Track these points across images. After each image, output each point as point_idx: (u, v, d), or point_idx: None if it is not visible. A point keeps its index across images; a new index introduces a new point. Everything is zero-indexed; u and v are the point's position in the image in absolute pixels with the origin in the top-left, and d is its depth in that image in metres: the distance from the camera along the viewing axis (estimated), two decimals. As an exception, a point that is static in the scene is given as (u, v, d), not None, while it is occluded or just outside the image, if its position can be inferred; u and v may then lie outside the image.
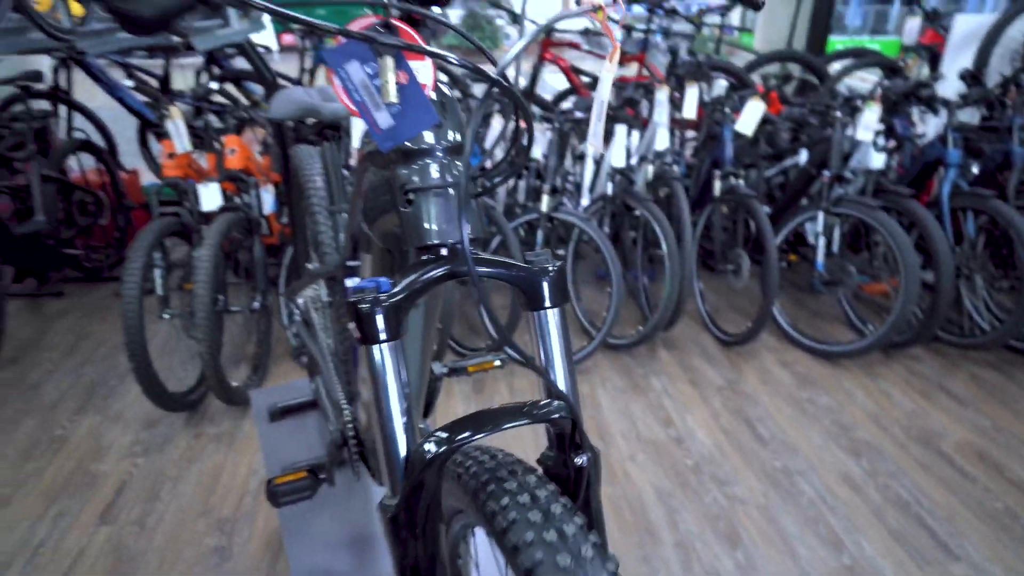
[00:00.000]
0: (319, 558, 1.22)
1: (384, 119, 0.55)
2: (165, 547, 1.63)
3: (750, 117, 2.49)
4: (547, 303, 0.65)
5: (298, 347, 1.57)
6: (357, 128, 1.26)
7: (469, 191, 0.61)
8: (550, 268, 0.65)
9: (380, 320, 0.57)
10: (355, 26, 0.53)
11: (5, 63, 3.12)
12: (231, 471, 1.88)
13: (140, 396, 2.02)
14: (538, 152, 2.58)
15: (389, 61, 0.52)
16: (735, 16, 4.63)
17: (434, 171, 0.59)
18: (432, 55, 0.53)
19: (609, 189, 2.52)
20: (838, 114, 2.43)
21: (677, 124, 3.06)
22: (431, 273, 0.60)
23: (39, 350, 2.49)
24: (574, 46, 3.68)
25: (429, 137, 0.59)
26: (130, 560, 1.59)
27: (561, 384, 0.66)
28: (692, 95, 2.55)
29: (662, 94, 2.52)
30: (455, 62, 0.54)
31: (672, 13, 3.81)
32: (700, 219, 2.75)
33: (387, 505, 0.58)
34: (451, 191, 0.60)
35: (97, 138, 3.39)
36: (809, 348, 2.54)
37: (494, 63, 0.57)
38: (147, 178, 3.59)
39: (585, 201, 2.83)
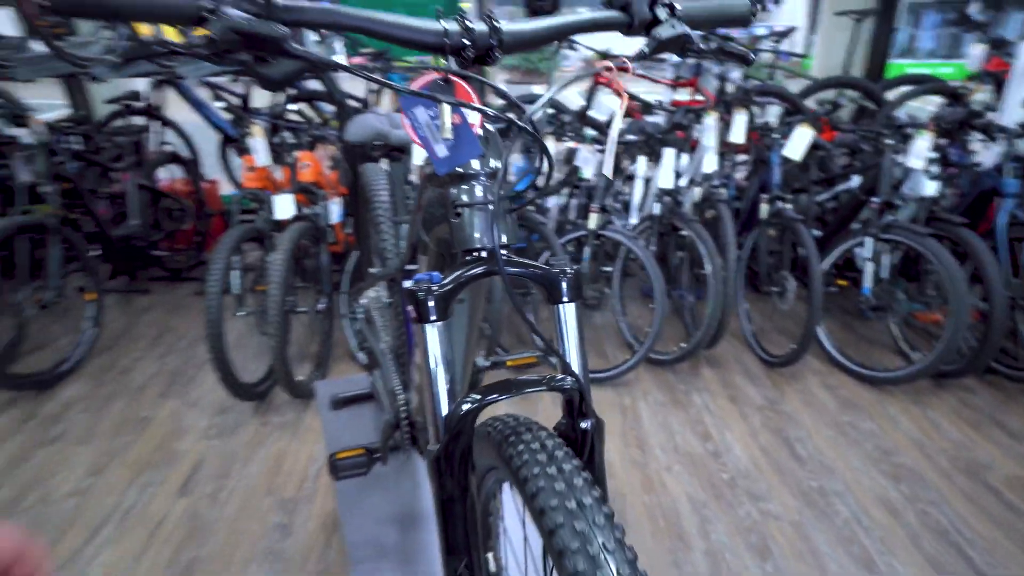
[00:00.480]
0: (370, 531, 1.36)
1: (441, 150, 0.70)
2: (234, 519, 1.80)
3: (798, 143, 2.54)
4: (565, 298, 0.77)
5: (359, 342, 1.73)
6: (418, 151, 1.42)
7: (504, 207, 0.75)
8: (568, 270, 0.77)
9: (431, 305, 0.72)
10: (420, 81, 0.68)
11: (111, 84, 3.46)
12: (293, 457, 2.05)
13: (215, 384, 2.22)
14: (589, 173, 2.70)
15: (446, 108, 0.67)
16: (793, 42, 4.64)
17: (478, 191, 0.74)
18: (475, 109, 0.67)
19: (656, 209, 2.61)
20: (888, 141, 2.45)
21: (727, 148, 3.12)
22: (472, 271, 0.75)
23: (129, 340, 2.75)
24: (626, 70, 3.79)
25: (475, 164, 0.73)
26: (203, 528, 1.77)
27: (574, 364, 0.78)
28: (740, 120, 2.62)
29: (710, 119, 2.60)
30: (491, 114, 0.68)
31: (726, 39, 3.88)
32: (747, 241, 2.80)
33: (431, 451, 0.71)
34: (491, 207, 0.74)
35: (184, 151, 3.71)
36: (855, 373, 2.54)
37: (523, 110, 0.70)
38: (225, 188, 3.88)
39: (634, 220, 2.93)
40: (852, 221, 2.82)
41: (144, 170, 3.30)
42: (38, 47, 2.76)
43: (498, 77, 5.98)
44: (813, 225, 3.00)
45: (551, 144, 2.70)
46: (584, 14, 0.77)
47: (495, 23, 0.69)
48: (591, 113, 3.82)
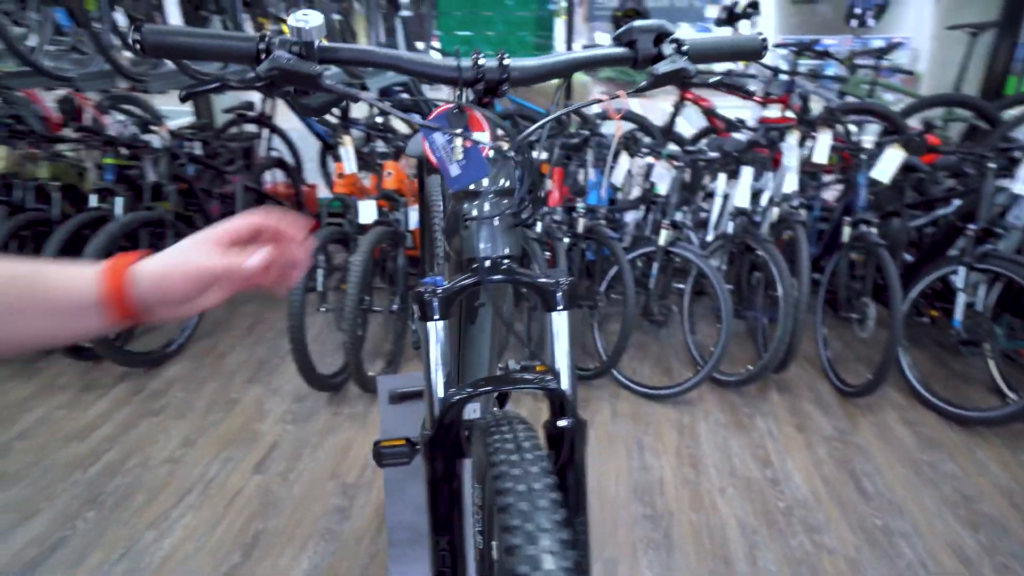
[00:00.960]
0: (410, 517, 1.45)
1: (455, 170, 0.77)
2: (300, 499, 1.95)
3: (887, 164, 2.42)
4: (558, 307, 0.82)
5: (415, 341, 1.84)
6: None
7: (508, 222, 0.81)
8: (562, 280, 0.82)
9: (435, 305, 0.80)
10: (437, 111, 0.76)
11: (229, 95, 3.82)
12: (359, 446, 2.19)
13: (295, 374, 2.41)
14: (663, 188, 2.70)
15: (458, 132, 0.75)
16: (899, 57, 4.38)
17: (485, 207, 0.81)
18: (475, 140, 0.75)
19: (730, 228, 2.57)
20: (991, 164, 2.30)
21: (814, 168, 3.01)
22: (470, 278, 0.82)
23: (227, 328, 3.02)
24: (715, 87, 3.74)
25: (484, 183, 0.80)
26: (273, 504, 1.93)
27: (563, 369, 0.83)
28: (823, 140, 2.53)
29: (791, 138, 2.53)
30: (488, 145, 0.76)
31: (823, 55, 3.74)
32: (829, 264, 2.69)
33: (425, 432, 0.78)
34: (496, 221, 0.81)
35: (289, 157, 4.02)
36: (940, 410, 2.38)
37: (512, 137, 0.77)
38: (323, 192, 4.17)
39: (710, 238, 2.89)
40: (948, 248, 2.65)
41: (252, 173, 3.62)
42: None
43: (594, 89, 6.01)
44: (906, 251, 2.84)
45: (624, 161, 2.72)
46: (591, 51, 0.82)
47: (503, 61, 0.76)
48: (677, 129, 3.80)
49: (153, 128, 2.88)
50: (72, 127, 3.03)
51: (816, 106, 3.48)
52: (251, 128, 3.91)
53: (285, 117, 3.94)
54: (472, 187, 0.80)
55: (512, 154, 0.78)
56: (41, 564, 1.71)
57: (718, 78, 3.69)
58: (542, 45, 4.41)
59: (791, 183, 2.57)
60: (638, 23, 0.82)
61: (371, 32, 2.75)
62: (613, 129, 2.88)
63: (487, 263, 0.82)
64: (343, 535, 1.81)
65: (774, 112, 3.66)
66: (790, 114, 3.53)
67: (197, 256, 0.61)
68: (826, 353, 2.65)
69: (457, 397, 0.76)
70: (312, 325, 2.94)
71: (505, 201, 0.81)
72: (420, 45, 3.54)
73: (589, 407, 2.46)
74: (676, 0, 4.60)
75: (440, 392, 0.81)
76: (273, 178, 3.85)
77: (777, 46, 3.78)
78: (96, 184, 2.74)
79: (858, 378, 2.52)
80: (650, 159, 2.83)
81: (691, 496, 2.00)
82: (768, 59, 3.89)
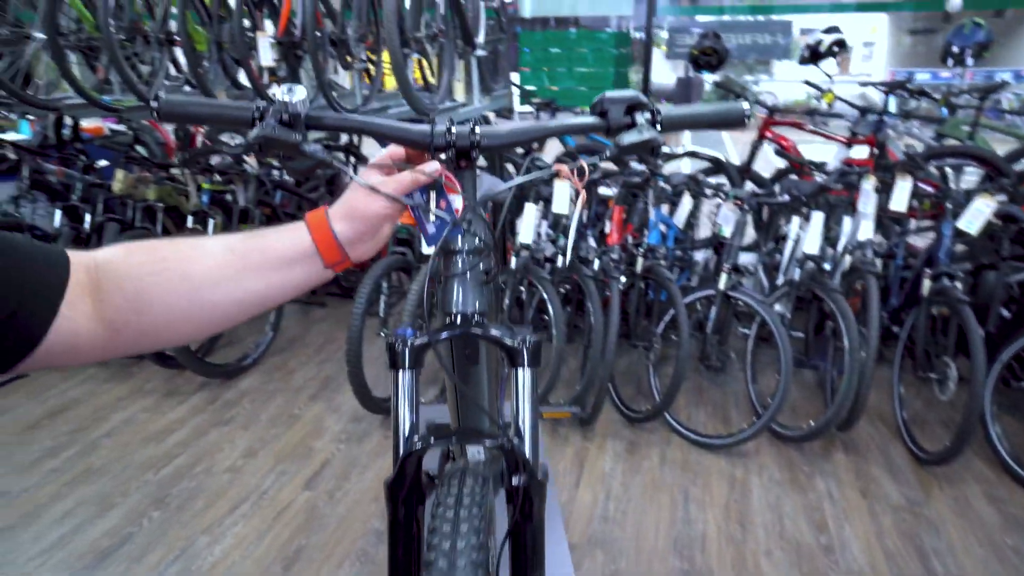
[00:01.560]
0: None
1: (430, 228, 0.81)
2: (343, 517, 2.03)
3: (976, 214, 2.25)
4: (522, 362, 0.83)
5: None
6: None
7: (478, 279, 0.84)
8: (527, 339, 0.83)
9: (404, 355, 0.83)
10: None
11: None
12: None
13: (353, 395, 2.52)
14: (728, 230, 2.63)
15: (432, 195, 0.79)
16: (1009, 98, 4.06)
17: (458, 264, 0.84)
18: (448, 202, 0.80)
19: (796, 275, 2.46)
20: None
21: (897, 214, 2.84)
22: (445, 334, 0.85)
23: (301, 345, 3.21)
24: (797, 125, 3.61)
25: (458, 243, 0.84)
26: (317, 520, 2.02)
27: (525, 425, 0.84)
28: (903, 187, 2.38)
29: (868, 183, 2.41)
30: (439, 215, 0.81)
31: (920, 94, 3.54)
32: (908, 319, 2.52)
33: (387, 478, 0.81)
34: (468, 277, 0.84)
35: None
36: (1032, 487, 2.16)
37: (473, 196, 0.83)
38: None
39: (780, 282, 2.78)
40: (1049, 308, 2.42)
41: (335, 200, 3.84)
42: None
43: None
44: (1004, 307, 2.61)
45: (687, 201, 2.68)
46: (563, 120, 0.85)
47: (474, 128, 0.80)
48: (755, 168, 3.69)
49: (246, 157, 3.13)
50: (185, 153, 3.35)
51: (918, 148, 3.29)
52: (340, 156, 4.16)
53: (370, 146, 4.16)
54: (450, 245, 0.84)
55: (478, 212, 0.82)
56: (109, 556, 1.88)
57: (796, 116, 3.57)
58: (621, 83, 4.44)
59: (866, 231, 2.44)
60: (610, 93, 0.84)
61: (444, 71, 2.88)
62: (677, 167, 2.86)
63: (458, 318, 0.85)
64: (378, 559, 1.87)
65: (863, 152, 3.49)
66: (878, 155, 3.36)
67: (366, 193, 0.75)
68: (902, 413, 2.47)
69: (416, 447, 0.79)
70: (370, 349, 3.07)
71: (476, 259, 0.84)
72: (498, 84, 3.66)
73: (638, 451, 2.41)
74: (759, 37, 4.48)
75: (403, 439, 0.84)
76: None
77: (866, 84, 3.61)
78: (194, 207, 3.00)
79: (937, 444, 2.33)
80: (718, 199, 2.78)
81: (734, 555, 1.91)
82: (862, 96, 3.72)
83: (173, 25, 2.64)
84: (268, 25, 2.82)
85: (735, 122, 0.83)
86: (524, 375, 0.84)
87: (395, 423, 0.84)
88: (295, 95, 0.77)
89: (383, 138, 0.83)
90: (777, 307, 2.54)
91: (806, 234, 2.49)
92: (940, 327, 2.40)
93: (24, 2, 2.80)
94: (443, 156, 0.80)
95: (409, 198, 0.78)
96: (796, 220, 2.76)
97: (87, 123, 3.72)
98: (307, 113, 0.78)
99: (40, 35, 2.61)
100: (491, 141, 0.81)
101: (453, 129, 0.80)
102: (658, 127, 0.82)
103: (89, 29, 2.80)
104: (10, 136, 3.49)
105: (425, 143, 0.80)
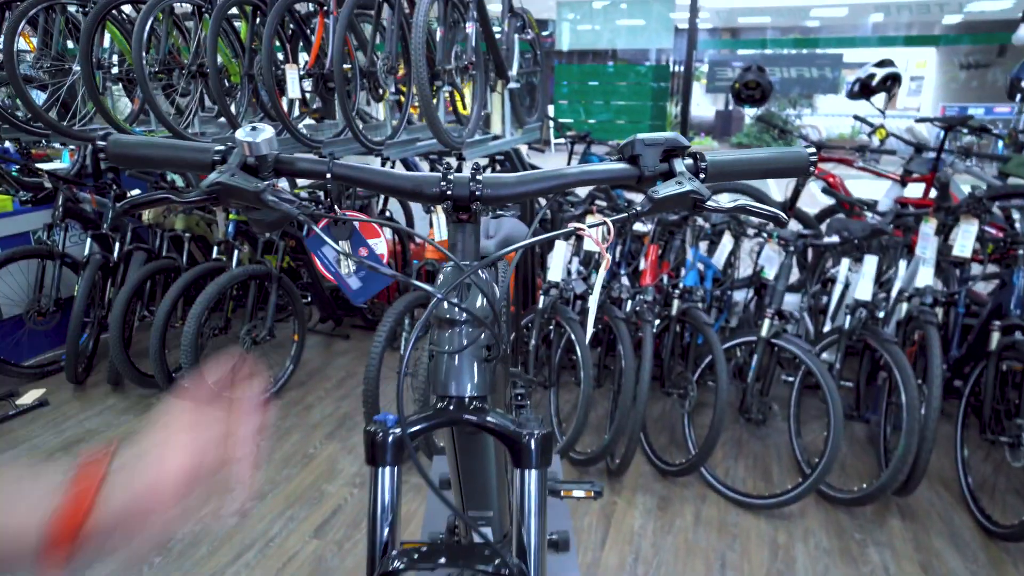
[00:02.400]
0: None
1: (354, 283, 0.70)
2: (350, 571, 1.90)
3: (1050, 261, 2.05)
4: (529, 463, 0.69)
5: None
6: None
7: (477, 356, 0.70)
8: (536, 431, 0.69)
9: (384, 448, 0.69)
10: (321, 223, 0.69)
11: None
12: (417, 521, 2.12)
13: (370, 436, 2.40)
14: (771, 273, 2.47)
15: (344, 245, 0.66)
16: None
17: (449, 338, 0.70)
18: (351, 257, 0.67)
19: (847, 323, 2.28)
20: None
21: (959, 259, 2.63)
22: (432, 421, 0.71)
23: (320, 379, 3.12)
24: (846, 162, 3.43)
25: (453, 313, 0.69)
26: (323, 573, 1.89)
27: (531, 542, 0.68)
28: (968, 231, 2.19)
29: (927, 226, 2.22)
30: (382, 269, 0.67)
31: (981, 131, 3.33)
32: (972, 373, 2.30)
33: None
34: (465, 354, 0.69)
35: (399, 215, 4.19)
36: (1122, 571, 1.90)
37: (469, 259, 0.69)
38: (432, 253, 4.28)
39: (828, 328, 2.59)
40: None
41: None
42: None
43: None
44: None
45: (728, 240, 2.53)
46: (585, 168, 0.71)
47: (475, 175, 0.68)
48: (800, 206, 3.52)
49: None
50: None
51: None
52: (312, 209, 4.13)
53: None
54: (446, 313, 0.70)
55: (476, 275, 0.69)
56: (104, 604, 1.78)
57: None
58: (658, 116, 4.33)
59: (926, 277, 2.25)
60: (643, 136, 0.70)
61: (474, 104, 2.81)
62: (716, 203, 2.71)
63: (450, 404, 0.71)
64: (383, 621, 1.72)
65: (918, 191, 3.29)
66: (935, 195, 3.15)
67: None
68: (967, 478, 2.23)
69: (392, 567, 0.66)
70: (389, 388, 2.96)
71: (475, 332, 0.70)
72: (531, 117, 3.59)
73: (671, 507, 2.23)
74: (805, 71, 4.32)
75: (378, 555, 0.70)
76: (385, 239, 4.02)
77: (921, 120, 3.42)
78: (220, 237, 2.98)
79: (1010, 516, 2.09)
80: (760, 239, 2.62)
81: (777, 637, 1.71)
82: (909, 130, 3.52)
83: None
84: (303, 57, 2.81)
85: (798, 171, 0.69)
86: (530, 478, 0.69)
87: (370, 531, 0.69)
88: (260, 135, 0.67)
89: (366, 186, 0.71)
90: (824, 355, 2.36)
91: (858, 278, 2.31)
92: (1011, 384, 2.17)
93: (70, 36, 2.85)
94: (440, 207, 0.68)
95: (321, 254, 0.67)
96: (846, 263, 2.58)
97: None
98: (276, 155, 0.68)
99: (77, 68, 2.65)
100: (495, 191, 0.68)
101: (450, 177, 0.68)
102: (701, 176, 0.69)
103: (129, 61, 2.83)
104: (51, 165, 3.56)
105: (415, 192, 0.69)
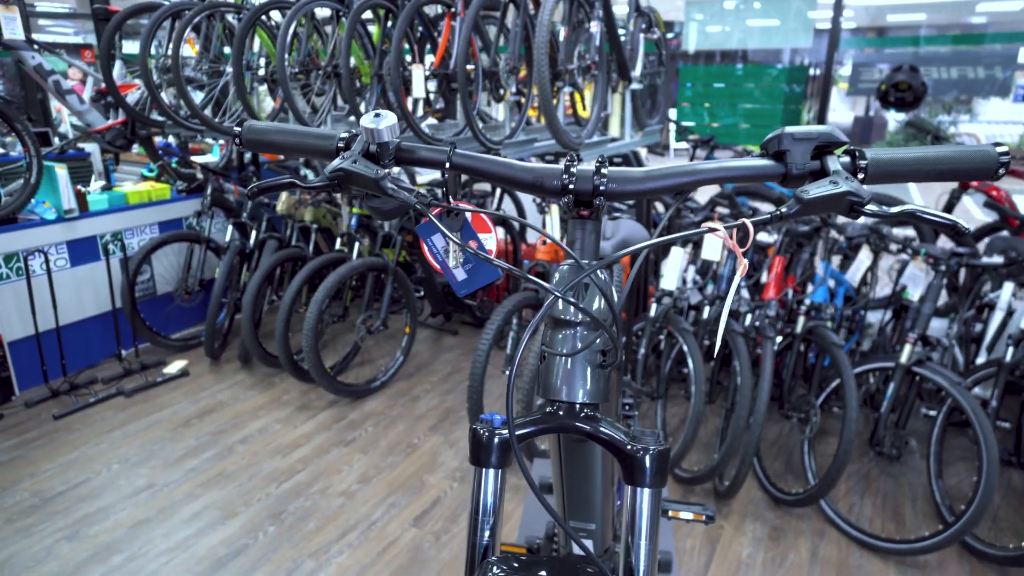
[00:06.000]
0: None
1: (460, 274, 0.67)
2: (446, 564, 1.92)
3: None
4: (644, 482, 0.63)
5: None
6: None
7: (592, 360, 0.65)
8: (652, 447, 0.63)
9: (490, 449, 0.66)
10: (435, 211, 0.67)
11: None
12: (515, 521, 2.10)
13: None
14: (915, 294, 2.22)
15: (454, 236, 0.65)
16: None
17: (563, 339, 0.66)
18: (459, 245, 0.63)
19: (1009, 355, 2.00)
20: None
21: None
22: (540, 425, 0.67)
23: (428, 372, 3.20)
24: (1017, 174, 3.03)
25: (569, 313, 0.65)
26: (420, 563, 1.92)
27: (641, 561, 0.63)
28: None
29: (1119, 248, 1.90)
30: (494, 261, 0.64)
31: None
32: None
33: None
34: (579, 357, 0.65)
35: (514, 212, 4.22)
36: None
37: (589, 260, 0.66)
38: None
39: (981, 359, 2.30)
40: None
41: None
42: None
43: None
44: None
45: (865, 256, 2.30)
46: (718, 164, 0.64)
47: (600, 169, 0.63)
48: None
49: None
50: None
51: None
52: (484, 187, 4.20)
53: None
54: (562, 313, 0.66)
55: (595, 275, 0.64)
56: (224, 566, 1.91)
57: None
58: (790, 121, 4.05)
59: (1113, 307, 1.93)
60: (792, 128, 0.62)
61: (595, 105, 2.76)
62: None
63: (560, 410, 0.67)
64: (475, 619, 1.72)
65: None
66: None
67: None
68: None
69: (492, 572, 0.63)
70: (494, 386, 2.97)
71: (591, 336, 0.66)
72: (653, 119, 3.48)
73: (784, 539, 2.06)
74: (970, 70, 3.86)
75: (478, 556, 0.67)
76: (496, 236, 4.07)
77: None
78: (343, 230, 3.13)
79: None
80: (904, 256, 2.37)
81: None
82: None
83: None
84: (429, 59, 2.90)
85: (983, 173, 0.59)
86: (643, 497, 0.64)
87: (471, 532, 0.67)
88: (382, 121, 0.67)
89: (485, 177, 0.69)
90: (977, 390, 2.09)
91: None
92: None
93: (227, 40, 3.12)
94: (556, 205, 0.65)
95: (431, 242, 0.66)
96: (1009, 287, 2.27)
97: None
98: (398, 144, 0.68)
99: (230, 69, 2.89)
100: (620, 187, 0.63)
101: (573, 169, 0.64)
102: (860, 177, 0.60)
103: (274, 63, 3.05)
104: (203, 159, 3.92)
105: (535, 184, 0.66)
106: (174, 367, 3.14)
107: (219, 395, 2.92)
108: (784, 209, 0.59)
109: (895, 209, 0.58)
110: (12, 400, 2.85)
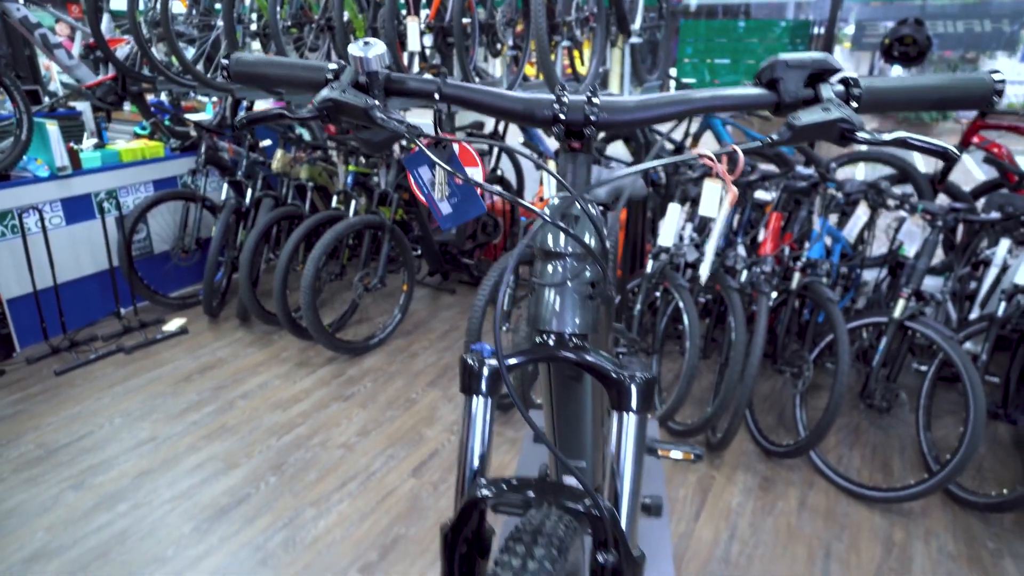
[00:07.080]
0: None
1: (445, 208, 0.67)
2: (443, 511, 1.97)
3: None
4: (629, 406, 0.65)
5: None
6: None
7: (582, 292, 0.67)
8: (639, 375, 0.64)
9: (479, 377, 0.68)
10: (424, 143, 0.67)
11: (466, 117, 4.11)
12: (511, 471, 2.15)
13: (469, 387, 2.46)
14: (911, 249, 2.23)
15: (440, 169, 0.65)
16: None
17: (552, 271, 0.67)
18: (456, 173, 0.64)
19: (1001, 310, 2.02)
20: None
21: None
22: (529, 355, 0.69)
23: (425, 330, 3.23)
24: (1018, 131, 3.00)
25: (559, 245, 0.66)
26: (418, 511, 1.97)
27: (624, 486, 0.65)
28: None
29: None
30: (490, 189, 0.65)
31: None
32: None
33: (444, 523, 0.67)
34: (568, 287, 0.66)
35: (510, 173, 4.19)
36: None
37: (574, 192, 0.65)
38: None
39: (974, 315, 2.33)
40: None
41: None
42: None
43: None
44: None
45: (863, 212, 2.30)
46: (711, 92, 0.64)
47: (591, 98, 0.63)
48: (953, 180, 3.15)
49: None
50: (338, 137, 3.50)
51: None
52: (481, 146, 4.16)
53: (516, 135, 4.11)
54: (551, 245, 0.67)
55: (584, 207, 0.65)
56: (227, 514, 1.96)
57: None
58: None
59: (1106, 261, 1.94)
60: (786, 56, 0.62)
61: (593, 59, 2.72)
62: (851, 173, 2.47)
63: (550, 339, 0.68)
64: (472, 563, 1.77)
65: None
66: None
67: None
68: None
69: (480, 495, 0.65)
70: (491, 341, 3.00)
71: (579, 266, 0.67)
72: (652, 76, 3.43)
73: (773, 489, 2.11)
74: (976, 23, 3.77)
75: (467, 480, 0.69)
76: (483, 168, 4.04)
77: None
78: (339, 188, 3.12)
79: None
80: (902, 212, 2.37)
81: (884, 638, 1.58)
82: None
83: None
84: (424, 12, 2.84)
85: (979, 101, 0.59)
86: (629, 421, 0.66)
87: (461, 458, 0.69)
88: (371, 49, 0.66)
89: (476, 108, 0.69)
90: (968, 345, 2.11)
91: (1019, 262, 2.04)
92: None
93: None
94: (552, 131, 0.65)
95: (417, 174, 0.66)
96: (1005, 243, 2.28)
97: (259, 105, 4.03)
98: (388, 75, 0.67)
99: (220, 23, 2.83)
100: (612, 116, 0.63)
101: (564, 99, 0.64)
102: (853, 105, 0.60)
103: (266, 17, 2.99)
104: (196, 116, 3.87)
105: (525, 114, 0.66)
106: (173, 325, 3.16)
107: (219, 352, 2.95)
108: (775, 136, 0.59)
109: (887, 136, 0.58)
110: (13, 357, 2.88)
